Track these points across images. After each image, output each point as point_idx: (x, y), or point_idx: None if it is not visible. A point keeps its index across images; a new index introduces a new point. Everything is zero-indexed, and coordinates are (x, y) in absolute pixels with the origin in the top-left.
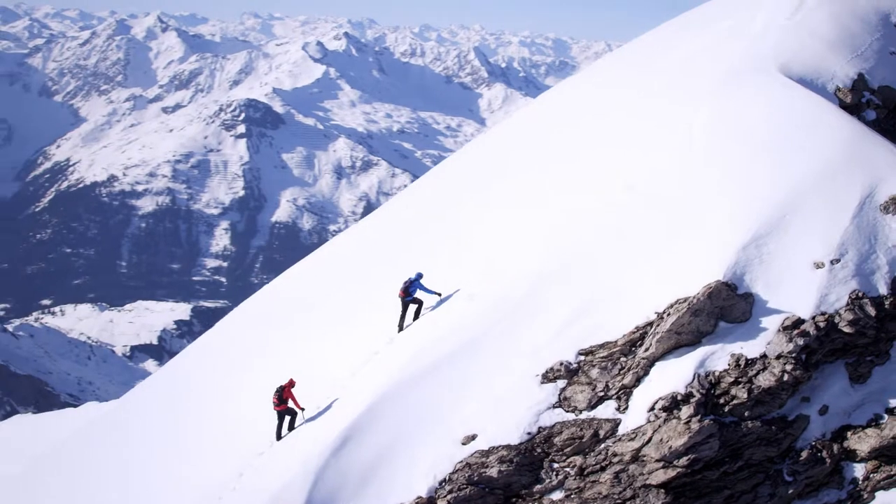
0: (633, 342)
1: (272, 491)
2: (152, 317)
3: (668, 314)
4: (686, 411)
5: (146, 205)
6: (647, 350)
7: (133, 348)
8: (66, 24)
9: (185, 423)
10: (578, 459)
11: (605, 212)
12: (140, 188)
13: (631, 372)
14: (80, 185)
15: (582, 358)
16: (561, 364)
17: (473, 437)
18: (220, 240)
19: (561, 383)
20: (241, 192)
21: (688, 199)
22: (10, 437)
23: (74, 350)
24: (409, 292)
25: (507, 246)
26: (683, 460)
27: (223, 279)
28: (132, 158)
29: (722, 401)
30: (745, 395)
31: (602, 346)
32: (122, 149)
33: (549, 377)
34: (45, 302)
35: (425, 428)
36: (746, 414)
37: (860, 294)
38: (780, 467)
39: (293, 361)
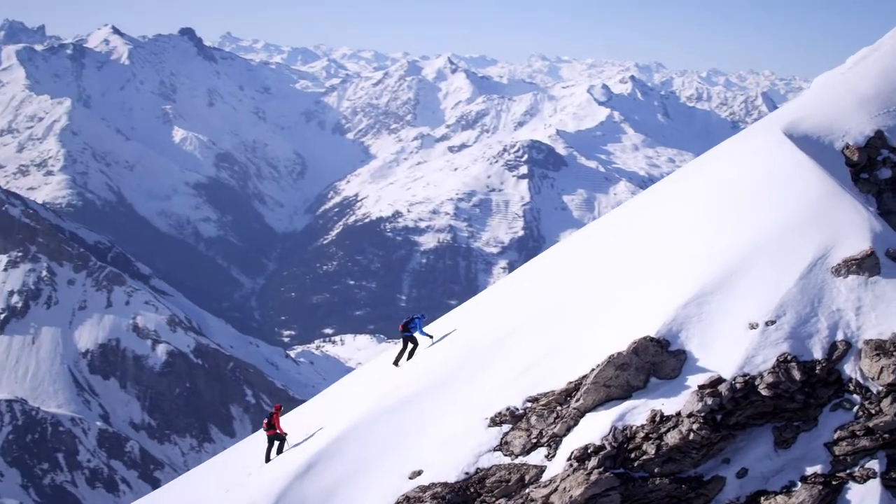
0: (569, 392)
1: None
2: None
3: (593, 368)
4: (592, 462)
5: (428, 241)
6: (577, 401)
7: None
8: (362, 64)
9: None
10: (504, 501)
11: (578, 268)
12: (423, 224)
13: (562, 421)
14: (367, 220)
15: (528, 405)
16: (507, 409)
17: (419, 473)
18: (497, 278)
19: (505, 428)
20: (521, 232)
21: (656, 254)
22: None
23: None
24: (409, 328)
25: (495, 303)
26: None
27: None
28: (417, 195)
29: (633, 455)
30: (654, 452)
31: (545, 394)
32: (407, 186)
33: (496, 421)
34: (327, 330)
35: (382, 461)
36: (657, 470)
37: (789, 357)
38: None
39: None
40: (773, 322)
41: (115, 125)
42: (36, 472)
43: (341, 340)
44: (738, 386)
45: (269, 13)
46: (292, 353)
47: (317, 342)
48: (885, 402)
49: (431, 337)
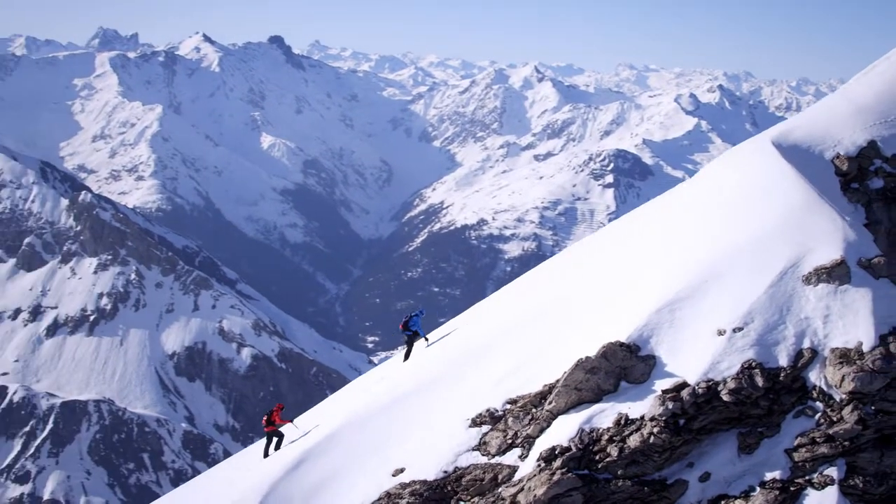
0: (543, 395)
1: (230, 499)
2: None
3: (565, 372)
4: (557, 463)
5: (512, 249)
6: (549, 403)
7: None
8: (449, 72)
9: None
10: (478, 500)
11: (570, 277)
12: (508, 233)
13: (536, 423)
14: (452, 228)
15: (508, 406)
16: (487, 411)
17: (402, 471)
18: None
19: (485, 428)
20: None
21: (641, 263)
22: None
23: None
24: (409, 326)
25: (489, 309)
26: None
27: None
28: (502, 203)
29: (598, 457)
30: (617, 454)
31: (523, 397)
32: (492, 194)
33: (476, 422)
34: None
35: (369, 458)
36: (620, 472)
37: (753, 364)
38: None
39: None
40: (740, 329)
41: (204, 131)
42: (122, 471)
43: None
44: (700, 391)
45: (357, 22)
46: (375, 359)
47: (400, 348)
48: (847, 410)
49: (427, 339)
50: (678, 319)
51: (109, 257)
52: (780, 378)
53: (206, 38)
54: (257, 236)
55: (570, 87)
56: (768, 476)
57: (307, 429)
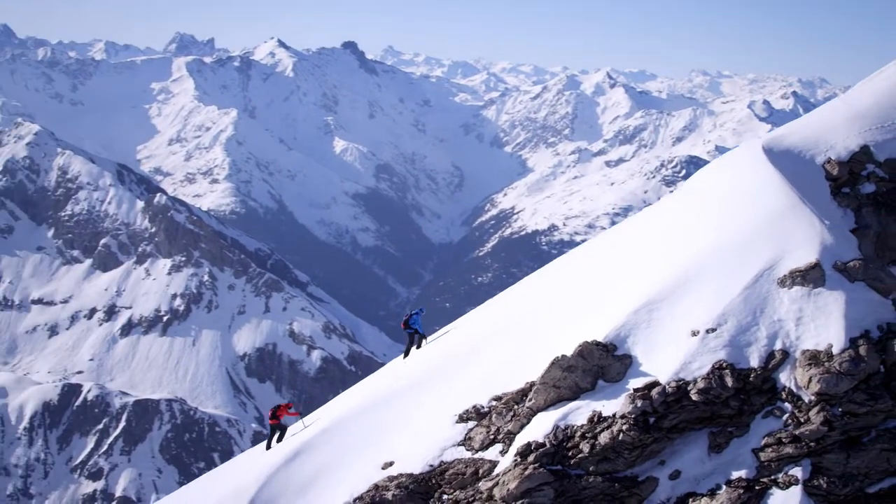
0: (525, 392)
1: (231, 488)
2: None
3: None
4: (530, 458)
5: None
6: (529, 400)
7: None
8: (521, 78)
9: None
10: (460, 494)
11: (562, 278)
12: (578, 238)
13: (517, 419)
14: (522, 233)
15: (493, 403)
16: (474, 407)
17: (391, 464)
18: None
19: (471, 424)
20: None
21: (629, 265)
22: None
23: None
24: (409, 324)
25: (485, 310)
26: (519, 503)
27: None
28: (573, 209)
29: (571, 453)
30: (588, 450)
31: (507, 394)
32: (563, 199)
33: (463, 418)
34: None
35: (361, 451)
36: (592, 468)
37: (724, 364)
38: None
39: None
40: (713, 330)
41: (278, 135)
42: (192, 470)
43: None
44: (670, 391)
45: (430, 27)
46: None
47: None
48: (814, 412)
49: (425, 337)
50: (655, 320)
51: (183, 259)
52: (751, 379)
53: (281, 44)
54: (329, 240)
55: (642, 93)
56: (735, 475)
57: (308, 423)
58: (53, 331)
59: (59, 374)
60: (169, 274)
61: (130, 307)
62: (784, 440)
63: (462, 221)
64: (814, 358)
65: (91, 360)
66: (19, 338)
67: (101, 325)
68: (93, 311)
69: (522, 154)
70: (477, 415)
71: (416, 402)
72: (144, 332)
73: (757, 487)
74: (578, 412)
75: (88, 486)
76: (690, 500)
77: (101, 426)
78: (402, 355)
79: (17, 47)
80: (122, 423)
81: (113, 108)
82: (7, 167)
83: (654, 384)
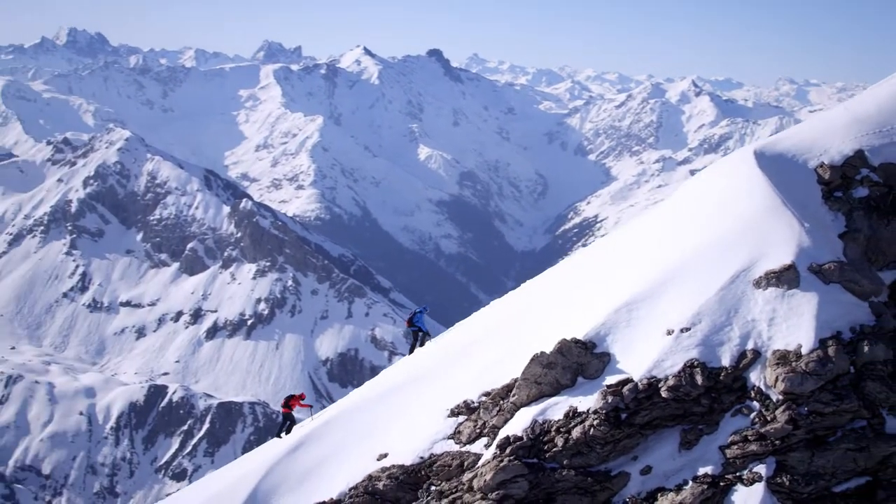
0: (510, 388)
1: (237, 476)
2: None
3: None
4: (508, 451)
5: None
6: (513, 395)
7: None
8: (605, 86)
9: None
10: (445, 485)
11: (558, 279)
12: None
13: (502, 414)
14: None
15: (482, 399)
16: (465, 402)
17: (385, 455)
18: None
19: (461, 418)
20: None
21: (617, 265)
22: None
23: None
24: (414, 322)
25: (486, 311)
26: (494, 494)
27: None
28: None
29: (546, 447)
30: (562, 444)
31: (495, 389)
32: (647, 208)
33: (454, 412)
34: None
35: (359, 443)
36: (566, 462)
37: (695, 363)
38: None
39: None
40: (687, 329)
41: (363, 142)
42: None
43: None
44: (641, 387)
45: (515, 35)
46: None
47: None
48: (780, 411)
49: (428, 334)
50: (634, 319)
51: (268, 264)
52: (721, 378)
53: (367, 52)
54: (412, 246)
55: (727, 102)
56: (702, 471)
57: (316, 415)
58: (141, 333)
59: (146, 375)
60: (254, 278)
61: (216, 311)
62: (750, 438)
63: (545, 229)
64: (783, 358)
65: (177, 362)
66: (108, 339)
67: (186, 327)
68: (179, 314)
69: (606, 162)
70: (467, 410)
71: (412, 397)
72: (229, 336)
73: (722, 484)
74: (556, 407)
75: (172, 487)
76: (659, 494)
77: (185, 427)
78: (409, 352)
79: (110, 55)
80: (206, 425)
81: (202, 115)
82: (98, 172)
83: (628, 381)
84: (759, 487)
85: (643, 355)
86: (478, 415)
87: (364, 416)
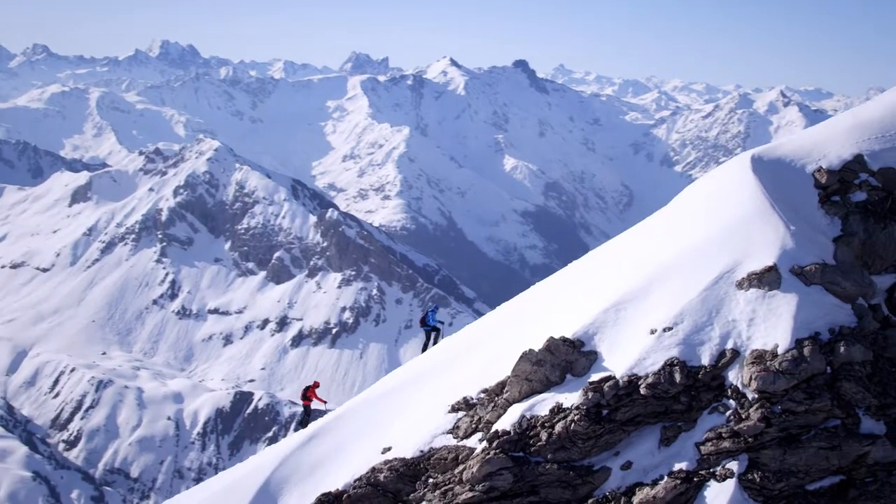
0: (504, 385)
1: (252, 466)
2: None
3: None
4: (494, 444)
5: None
6: (506, 392)
7: None
8: (692, 97)
9: None
10: (440, 477)
11: (562, 280)
12: None
13: (496, 410)
14: None
15: (481, 395)
16: (464, 398)
17: (389, 449)
18: None
19: (460, 414)
20: None
21: (615, 265)
22: None
23: None
24: (427, 321)
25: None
26: (481, 486)
27: None
28: None
29: (532, 441)
30: (545, 439)
31: (492, 386)
32: None
33: (454, 408)
34: None
35: (366, 437)
36: (550, 456)
37: (675, 361)
38: None
39: None
40: (669, 328)
41: (448, 153)
42: None
43: None
44: (621, 384)
45: (602, 46)
46: None
47: None
48: (753, 409)
49: (440, 326)
50: (621, 319)
51: (353, 273)
52: (700, 376)
53: (453, 63)
54: (497, 257)
55: (817, 112)
56: (677, 467)
57: (331, 407)
58: (228, 340)
59: (232, 381)
60: (339, 287)
61: (301, 319)
62: (724, 435)
63: None
64: (759, 357)
65: (262, 369)
66: (196, 346)
67: (272, 335)
68: (265, 321)
69: (693, 174)
70: (466, 406)
71: (418, 393)
72: (314, 344)
73: (695, 479)
74: (543, 404)
75: None
76: (637, 489)
77: (270, 434)
78: (421, 350)
79: (201, 67)
80: (291, 432)
81: (290, 125)
82: (188, 181)
83: (609, 378)
84: (731, 483)
85: (627, 353)
86: (475, 411)
87: (372, 411)
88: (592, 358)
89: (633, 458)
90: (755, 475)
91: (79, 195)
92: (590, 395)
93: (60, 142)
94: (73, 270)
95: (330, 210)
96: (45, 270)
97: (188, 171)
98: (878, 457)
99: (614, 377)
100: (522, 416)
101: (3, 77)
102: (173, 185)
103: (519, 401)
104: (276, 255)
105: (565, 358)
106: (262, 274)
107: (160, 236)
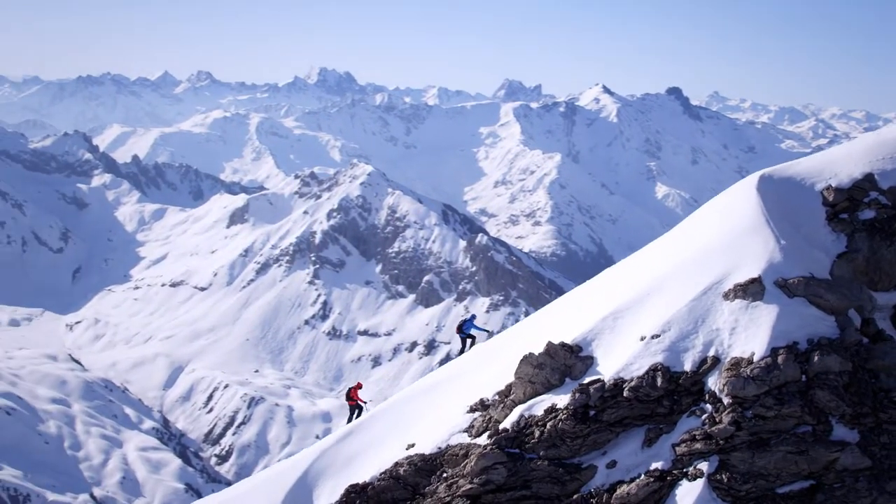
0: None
1: (293, 460)
2: None
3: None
4: (493, 441)
5: None
6: (511, 394)
7: None
8: (851, 125)
9: None
10: (451, 471)
11: (582, 290)
12: None
13: (504, 410)
14: None
15: (495, 397)
16: (481, 400)
17: (413, 445)
18: None
19: (476, 414)
20: None
21: (623, 275)
22: None
23: None
24: (463, 329)
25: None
26: (478, 479)
27: None
28: None
29: (526, 439)
30: (538, 436)
31: (503, 389)
32: None
33: (472, 408)
34: None
35: (395, 434)
36: (542, 453)
37: (659, 367)
38: None
39: None
40: (657, 336)
41: (600, 180)
42: None
43: None
44: (607, 387)
45: (758, 74)
46: None
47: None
48: (725, 413)
49: (489, 332)
50: (618, 326)
51: (501, 298)
52: (681, 381)
53: (606, 90)
54: None
55: None
56: (654, 466)
57: (369, 407)
58: (376, 361)
59: (379, 403)
60: (487, 312)
61: (449, 343)
62: (697, 437)
63: None
64: (735, 364)
65: None
66: (345, 366)
67: (420, 358)
68: (414, 344)
69: None
70: (482, 406)
71: (444, 395)
72: None
73: (668, 478)
74: (541, 404)
75: None
76: (618, 486)
77: None
78: (456, 355)
79: (357, 93)
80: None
81: (443, 151)
82: (342, 205)
83: (597, 381)
84: (700, 483)
85: (618, 359)
86: (488, 411)
87: (403, 410)
88: (589, 362)
89: (619, 457)
90: (723, 476)
91: (236, 217)
92: (577, 396)
93: (221, 165)
94: (229, 290)
95: (479, 235)
96: (202, 289)
97: (342, 194)
98: (846, 463)
99: (602, 380)
100: (521, 416)
101: (169, 102)
102: (327, 208)
103: (524, 401)
104: (426, 278)
105: (564, 362)
106: (412, 297)
107: (313, 258)
